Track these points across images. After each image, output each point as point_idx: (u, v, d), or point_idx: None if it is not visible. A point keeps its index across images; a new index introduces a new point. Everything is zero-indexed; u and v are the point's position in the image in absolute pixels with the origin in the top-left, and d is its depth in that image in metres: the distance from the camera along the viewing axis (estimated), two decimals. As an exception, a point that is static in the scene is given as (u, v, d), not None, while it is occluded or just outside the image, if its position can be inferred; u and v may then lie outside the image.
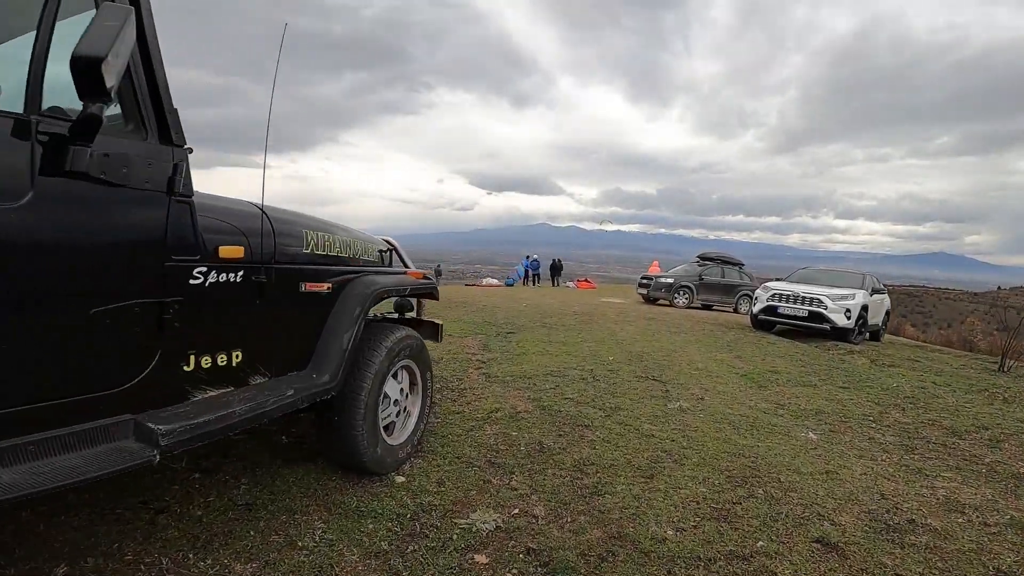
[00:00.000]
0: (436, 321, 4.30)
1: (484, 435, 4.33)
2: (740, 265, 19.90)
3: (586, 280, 28.68)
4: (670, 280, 18.16)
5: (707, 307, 18.54)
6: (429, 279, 4.08)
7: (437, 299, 4.32)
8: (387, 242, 4.15)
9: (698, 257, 20.14)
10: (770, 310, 12.18)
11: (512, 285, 26.62)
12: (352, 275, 3.21)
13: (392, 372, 3.41)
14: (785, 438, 4.83)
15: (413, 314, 4.42)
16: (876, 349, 11.23)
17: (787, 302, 11.98)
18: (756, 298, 12.74)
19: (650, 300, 18.78)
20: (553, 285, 27.49)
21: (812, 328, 11.68)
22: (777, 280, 13.70)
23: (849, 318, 11.46)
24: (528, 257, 27.74)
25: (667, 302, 18.15)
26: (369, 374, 3.13)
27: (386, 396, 3.40)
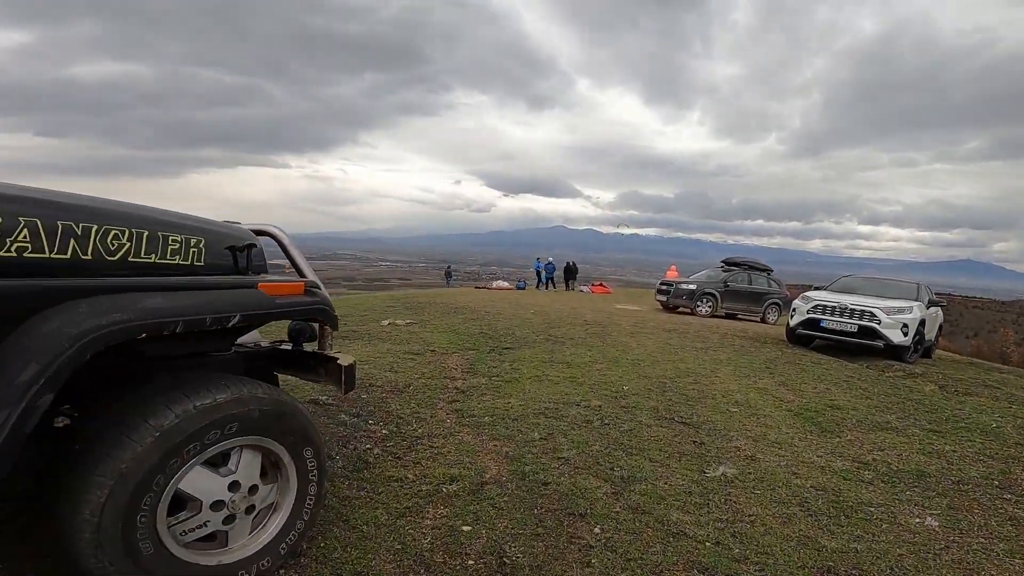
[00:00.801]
0: (339, 359, 2.68)
1: (418, 529, 2.71)
2: (768, 271, 18.01)
3: (601, 284, 26.93)
4: (692, 286, 16.37)
5: (730, 316, 16.71)
6: (314, 294, 2.45)
7: (332, 325, 2.69)
8: (261, 234, 2.61)
9: (722, 262, 18.29)
10: (811, 324, 10.38)
11: (523, 289, 25.02)
12: (65, 293, 1.64)
13: (206, 456, 1.85)
14: (891, 528, 3.14)
15: (331, 347, 2.84)
16: (935, 369, 9.39)
17: (832, 315, 10.17)
18: (794, 310, 10.94)
19: (669, 308, 17.02)
20: (567, 289, 25.81)
21: (861, 345, 9.88)
22: (817, 289, 11.87)
23: (906, 334, 9.64)
24: (540, 259, 26.10)
25: (688, 310, 16.37)
26: (103, 469, 1.60)
27: (191, 497, 1.87)
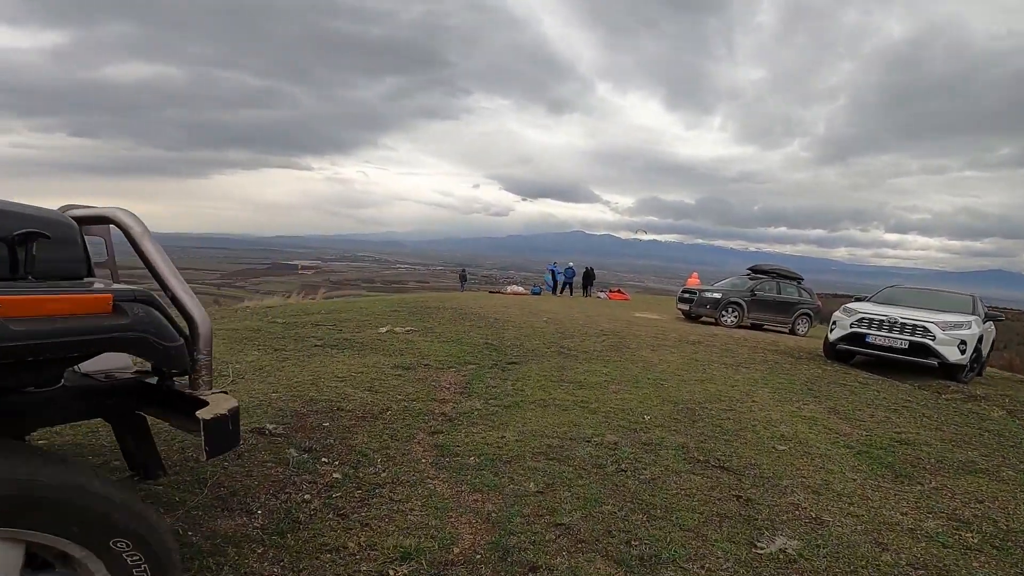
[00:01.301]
0: (207, 405, 1.75)
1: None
2: (799, 280, 16.77)
3: (619, 291, 25.83)
4: (717, 295, 15.22)
5: (756, 327, 15.54)
6: (128, 313, 1.49)
7: (162, 362, 1.73)
8: (99, 221, 1.75)
9: (749, 270, 17.11)
10: (855, 338, 9.25)
11: (539, 294, 24.04)
12: None
13: None
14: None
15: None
16: (993, 389, 8.22)
17: (880, 329, 9.02)
18: (835, 323, 9.80)
19: (692, 317, 15.90)
20: (585, 295, 24.76)
21: (913, 363, 8.73)
22: (859, 300, 10.71)
23: (964, 352, 8.47)
24: (557, 264, 25.10)
25: (712, 320, 15.24)
26: None
27: None
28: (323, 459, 3.31)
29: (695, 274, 19.53)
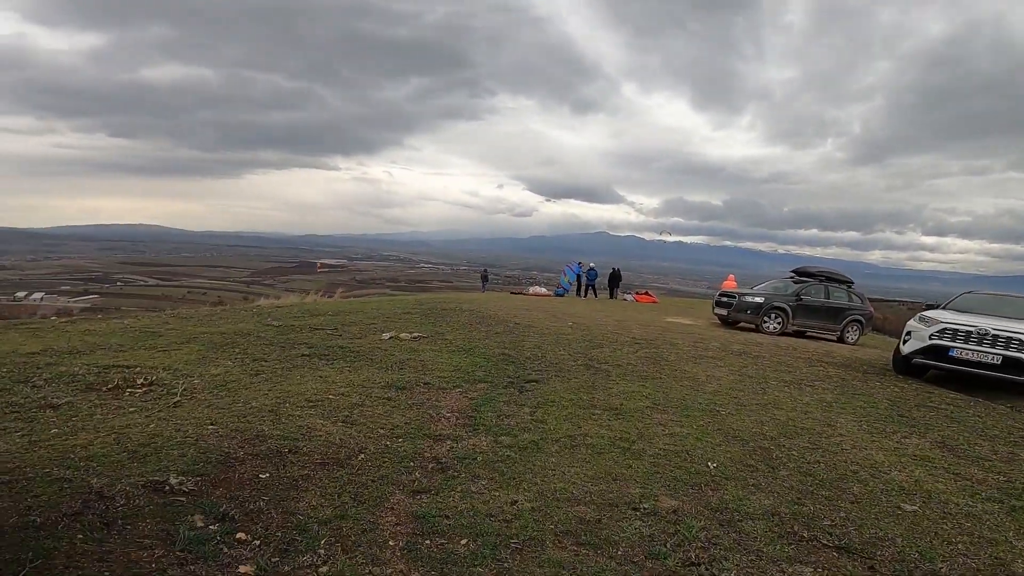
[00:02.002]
0: None
1: None
2: (848, 283, 15.14)
3: (647, 293, 24.34)
4: (759, 299, 13.73)
5: (798, 334, 14.02)
6: None
7: None
8: None
9: (793, 272, 15.52)
10: (936, 352, 7.78)
11: (563, 296, 22.76)
12: None
13: None
14: None
15: None
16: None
17: (967, 342, 7.54)
18: (909, 333, 8.35)
19: (729, 322, 14.47)
20: (611, 297, 23.37)
21: (1002, 381, 7.27)
22: (931, 307, 9.21)
23: (1073, 372, 6.99)
24: (580, 264, 23.74)
25: (752, 326, 13.79)
26: None
27: None
28: (239, 534, 2.18)
29: (731, 277, 18.01)
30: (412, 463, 3.13)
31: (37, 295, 63.38)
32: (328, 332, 7.71)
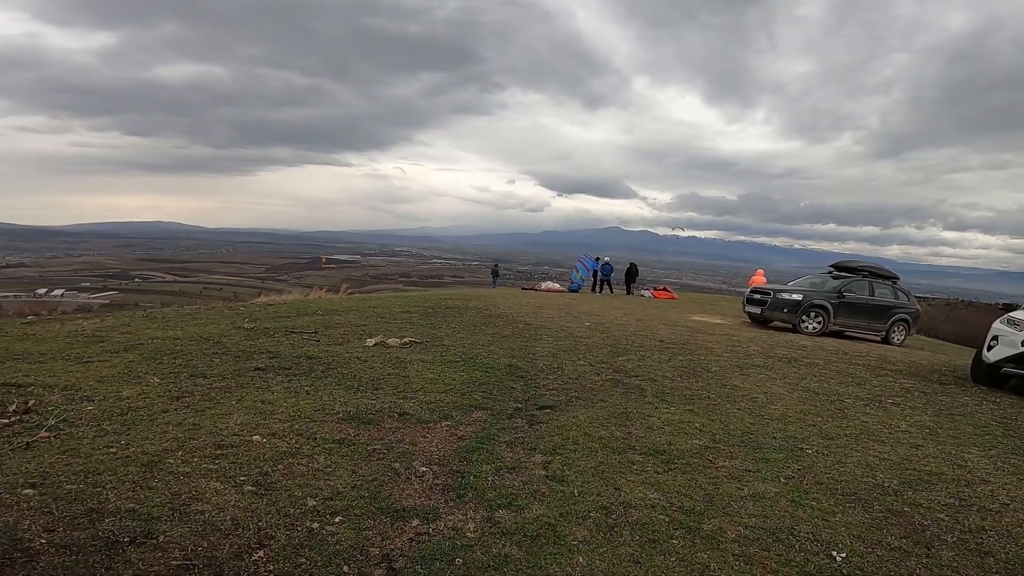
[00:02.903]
0: None
1: None
2: (894, 279, 13.59)
3: (665, 289, 22.79)
4: (797, 297, 12.24)
5: (836, 334, 12.54)
6: None
7: None
8: None
9: (832, 267, 13.98)
10: (1036, 362, 6.36)
11: (577, 291, 21.38)
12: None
13: None
14: None
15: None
16: None
17: (1080, 352, 6.11)
18: (996, 337, 6.90)
19: (761, 321, 13.03)
20: (627, 293, 21.93)
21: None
22: (1018, 308, 7.74)
23: None
24: (596, 258, 22.30)
25: (789, 326, 12.33)
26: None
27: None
28: None
29: (760, 272, 16.48)
30: (345, 569, 1.83)
31: (58, 292, 63.52)
32: (305, 336, 6.47)
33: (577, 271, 22.94)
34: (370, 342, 6.00)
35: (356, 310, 9.96)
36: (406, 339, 6.31)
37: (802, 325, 12.25)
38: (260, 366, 4.70)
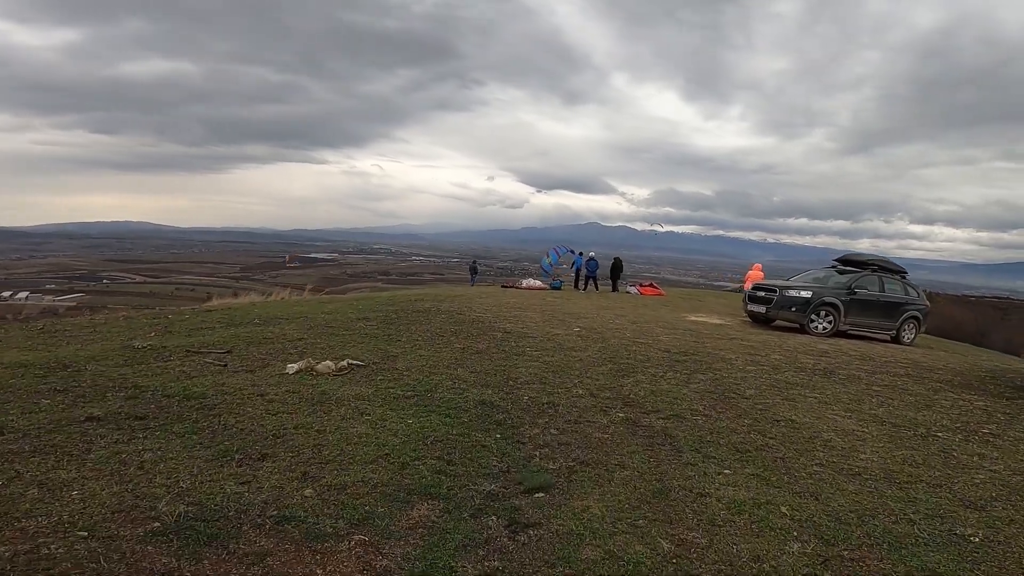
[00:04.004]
0: None
1: None
2: (903, 273, 12.36)
3: (652, 285, 21.36)
4: (806, 294, 10.87)
5: (841, 333, 11.23)
6: None
7: None
8: None
9: (836, 262, 12.64)
10: None
11: (559, 288, 19.83)
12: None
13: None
14: None
15: None
16: None
17: None
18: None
19: (762, 321, 11.67)
20: (613, 290, 20.47)
21: None
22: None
23: None
24: (580, 253, 20.78)
25: (797, 326, 10.98)
26: None
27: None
28: None
29: (757, 266, 15.10)
30: None
31: (22, 295, 60.04)
32: (210, 359, 4.79)
33: (547, 256, 21.74)
34: (292, 368, 4.35)
35: (305, 317, 8.25)
36: (345, 361, 4.67)
37: (811, 325, 10.89)
38: (97, 414, 3.03)
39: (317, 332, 6.66)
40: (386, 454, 2.79)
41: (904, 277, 12.40)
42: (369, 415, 3.39)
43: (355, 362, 4.74)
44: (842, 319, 10.97)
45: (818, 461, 3.13)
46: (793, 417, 4.04)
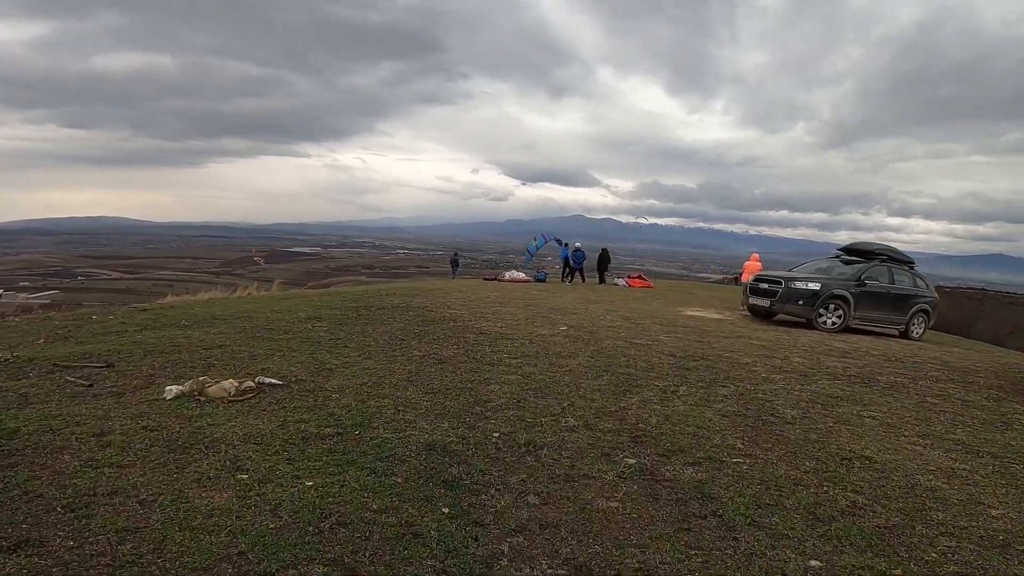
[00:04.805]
0: None
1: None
2: (911, 264, 11.37)
3: (640, 276, 20.25)
4: (815, 287, 9.81)
5: (849, 328, 10.21)
6: None
7: None
8: None
9: (841, 251, 11.55)
10: None
11: (544, 280, 18.63)
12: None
13: None
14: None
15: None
16: None
17: None
18: None
19: (763, 315, 10.62)
20: (600, 282, 19.33)
21: None
22: None
23: None
24: (567, 244, 19.61)
25: (803, 320, 9.93)
26: None
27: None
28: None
29: (755, 256, 14.01)
30: None
31: (-6, 292, 57.49)
32: (76, 377, 3.52)
33: (535, 240, 21.19)
34: (172, 391, 3.09)
35: (247, 317, 6.95)
36: (254, 380, 3.41)
37: (819, 320, 9.84)
38: None
39: (248, 337, 5.38)
40: (239, 553, 1.57)
41: (912, 267, 11.39)
42: (247, 471, 2.17)
43: (269, 381, 3.49)
44: (852, 313, 9.93)
45: (942, 528, 2.00)
46: (866, 452, 2.90)
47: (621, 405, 3.57)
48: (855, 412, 3.82)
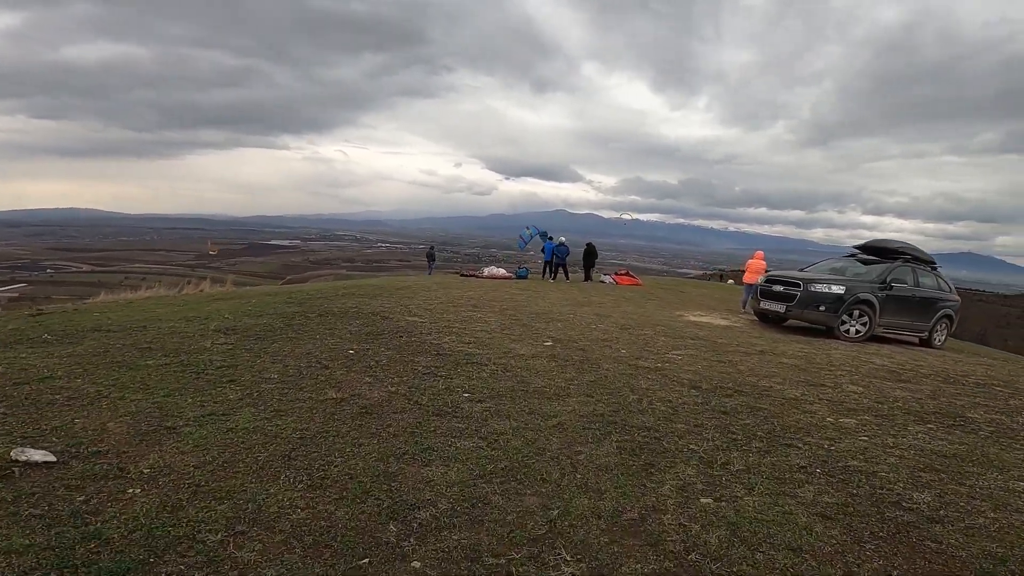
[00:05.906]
0: None
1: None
2: (933, 264, 10.04)
3: (627, 273, 18.83)
4: (839, 290, 8.41)
5: (874, 337, 8.85)
6: None
7: None
8: None
9: (858, 249, 10.19)
10: None
11: (525, 277, 17.10)
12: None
13: None
14: None
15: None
16: None
17: None
18: None
19: (773, 320, 9.23)
20: (586, 279, 17.87)
21: None
22: None
23: None
24: (551, 238, 18.08)
25: (823, 328, 8.54)
26: None
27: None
28: None
29: (759, 254, 12.61)
30: None
31: (-39, 286, 54.08)
32: None
33: (528, 229, 20.42)
34: None
35: (142, 327, 5.27)
36: (10, 454, 1.82)
37: (843, 328, 8.46)
38: None
39: (103, 362, 3.73)
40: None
41: (935, 268, 10.06)
42: None
43: (33, 457, 1.90)
44: (876, 320, 8.55)
45: None
46: None
47: (648, 504, 2.05)
48: (999, 483, 2.37)
